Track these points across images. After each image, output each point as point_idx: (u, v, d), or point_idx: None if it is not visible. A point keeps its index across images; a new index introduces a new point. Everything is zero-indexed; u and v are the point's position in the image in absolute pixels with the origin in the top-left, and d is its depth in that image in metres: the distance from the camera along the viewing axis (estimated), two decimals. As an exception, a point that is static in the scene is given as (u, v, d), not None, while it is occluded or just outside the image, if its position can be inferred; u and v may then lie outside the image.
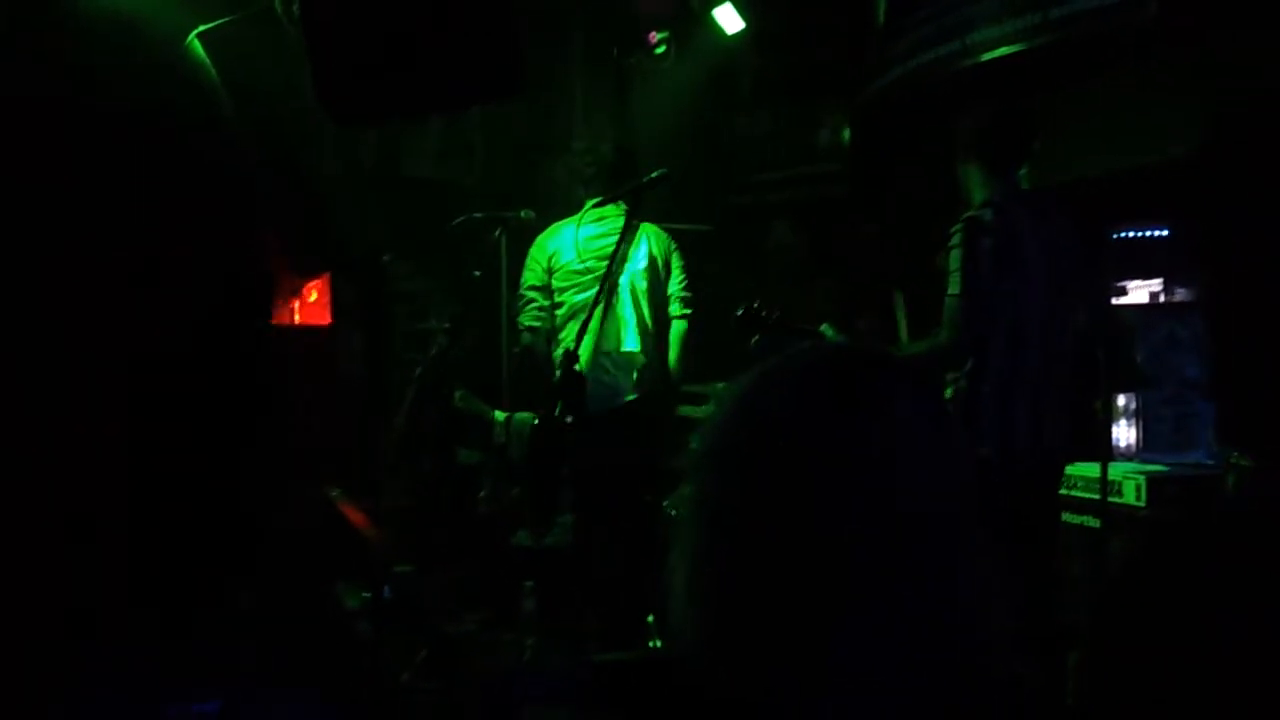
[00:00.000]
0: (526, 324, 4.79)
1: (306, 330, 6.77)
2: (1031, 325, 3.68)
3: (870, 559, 0.95)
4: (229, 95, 5.07)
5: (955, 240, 3.63)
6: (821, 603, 0.95)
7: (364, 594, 4.55)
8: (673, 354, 4.82)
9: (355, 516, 4.68)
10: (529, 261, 4.82)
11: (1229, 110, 1.01)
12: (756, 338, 3.97)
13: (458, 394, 5.21)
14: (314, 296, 6.75)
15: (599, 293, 4.25)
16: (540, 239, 4.86)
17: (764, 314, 3.99)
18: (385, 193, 6.66)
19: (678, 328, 4.84)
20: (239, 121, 5.30)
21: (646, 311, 4.76)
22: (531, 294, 4.78)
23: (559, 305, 4.75)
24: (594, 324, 4.55)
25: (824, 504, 0.96)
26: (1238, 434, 1.03)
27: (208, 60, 5.11)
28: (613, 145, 5.06)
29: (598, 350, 4.64)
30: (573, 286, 4.72)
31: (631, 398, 4.71)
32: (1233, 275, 0.98)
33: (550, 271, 4.74)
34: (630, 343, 4.74)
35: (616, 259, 4.43)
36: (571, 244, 4.72)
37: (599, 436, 4.44)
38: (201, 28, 5.00)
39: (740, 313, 4.02)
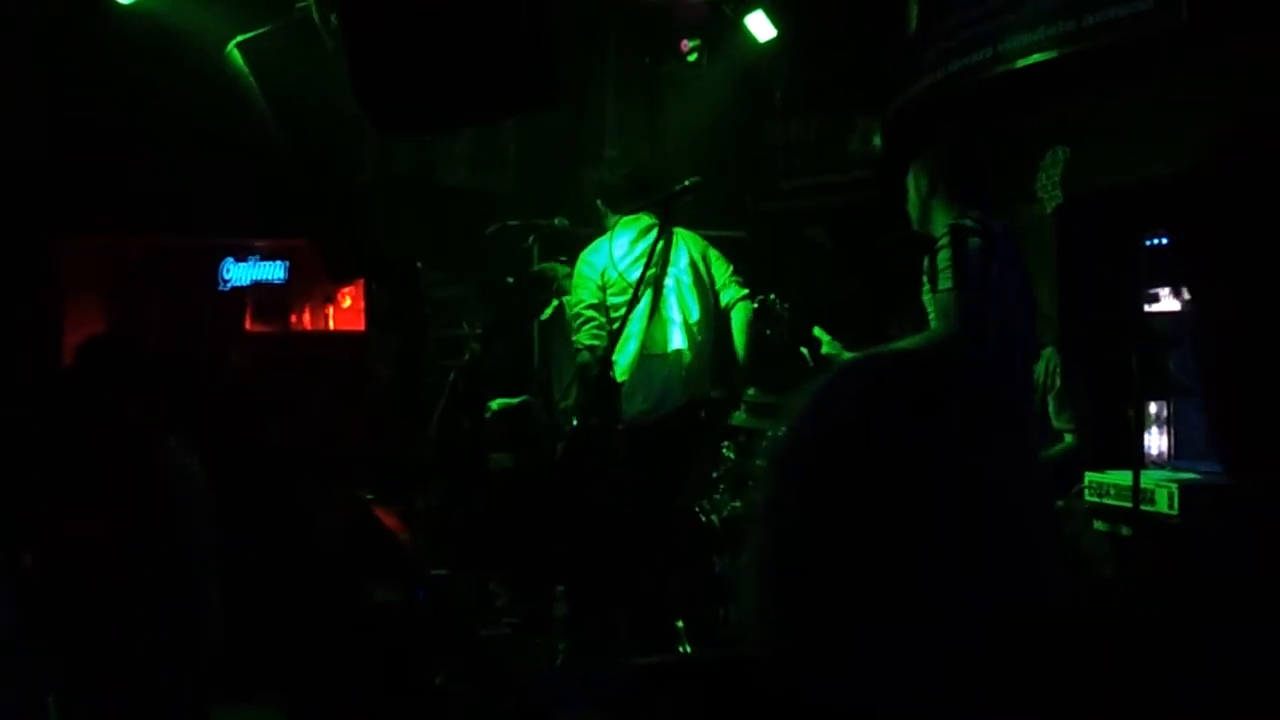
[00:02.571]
0: (586, 342, 4.70)
1: (342, 336, 6.84)
2: (1017, 326, 3.95)
3: (944, 557, 0.97)
4: (267, 103, 5.13)
5: (944, 241, 3.85)
6: (898, 600, 0.97)
7: (398, 597, 4.58)
8: (740, 342, 4.82)
9: (389, 520, 4.73)
10: (580, 280, 4.78)
11: (1222, 129, 1.03)
12: None
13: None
14: (348, 303, 6.82)
15: (636, 298, 4.27)
16: (585, 256, 4.83)
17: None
18: (419, 200, 6.70)
19: (742, 311, 4.85)
20: (276, 129, 5.36)
21: (692, 310, 4.77)
22: (589, 312, 4.71)
23: (613, 321, 4.74)
24: (640, 329, 4.57)
25: (898, 506, 0.98)
26: (1220, 446, 1.04)
27: (246, 69, 5.17)
28: (626, 172, 5.10)
29: (644, 354, 4.66)
30: (616, 303, 4.72)
31: (680, 403, 4.72)
32: (1224, 291, 0.99)
33: (604, 288, 4.72)
34: (677, 342, 4.75)
35: (654, 263, 4.45)
36: (617, 258, 4.72)
37: (644, 444, 4.47)
38: (240, 37, 5.06)
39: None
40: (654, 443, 4.65)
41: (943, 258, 3.83)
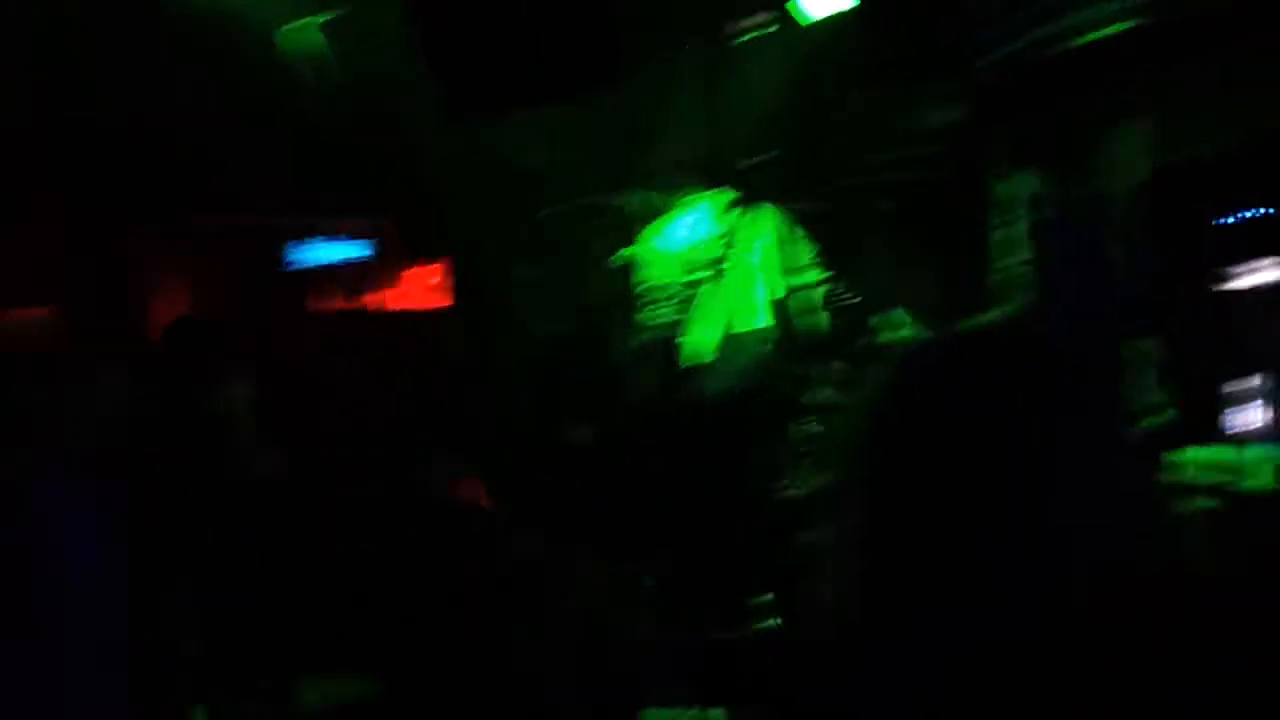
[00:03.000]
0: (665, 319, 4.76)
1: (425, 314, 6.95)
2: (1097, 300, 4.01)
3: (1014, 535, 0.99)
4: (348, 84, 5.18)
5: (1019, 213, 3.99)
6: (984, 568, 0.99)
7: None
8: (819, 321, 4.86)
9: (476, 493, 4.77)
10: (656, 257, 4.80)
11: None
12: None
13: None
14: (433, 280, 6.92)
15: (720, 275, 4.29)
16: (661, 231, 4.84)
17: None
18: (490, 181, 6.72)
19: (819, 294, 4.88)
20: (354, 111, 5.41)
21: (777, 287, 4.78)
22: (669, 289, 4.75)
23: (686, 299, 4.77)
24: (725, 307, 4.61)
25: (973, 484, 1.00)
26: None
27: (325, 49, 5.21)
28: (697, 146, 5.10)
29: (730, 333, 4.68)
30: (695, 280, 4.74)
31: (763, 380, 4.75)
32: None
33: (683, 265, 4.72)
34: (762, 320, 4.76)
35: (735, 240, 4.47)
36: (696, 235, 4.73)
37: (726, 421, 4.50)
38: (321, 17, 5.10)
39: None
40: (735, 420, 4.68)
41: (1016, 231, 3.84)
